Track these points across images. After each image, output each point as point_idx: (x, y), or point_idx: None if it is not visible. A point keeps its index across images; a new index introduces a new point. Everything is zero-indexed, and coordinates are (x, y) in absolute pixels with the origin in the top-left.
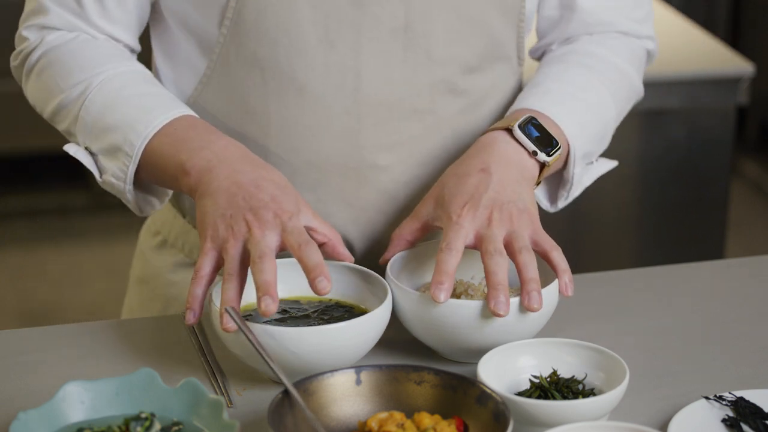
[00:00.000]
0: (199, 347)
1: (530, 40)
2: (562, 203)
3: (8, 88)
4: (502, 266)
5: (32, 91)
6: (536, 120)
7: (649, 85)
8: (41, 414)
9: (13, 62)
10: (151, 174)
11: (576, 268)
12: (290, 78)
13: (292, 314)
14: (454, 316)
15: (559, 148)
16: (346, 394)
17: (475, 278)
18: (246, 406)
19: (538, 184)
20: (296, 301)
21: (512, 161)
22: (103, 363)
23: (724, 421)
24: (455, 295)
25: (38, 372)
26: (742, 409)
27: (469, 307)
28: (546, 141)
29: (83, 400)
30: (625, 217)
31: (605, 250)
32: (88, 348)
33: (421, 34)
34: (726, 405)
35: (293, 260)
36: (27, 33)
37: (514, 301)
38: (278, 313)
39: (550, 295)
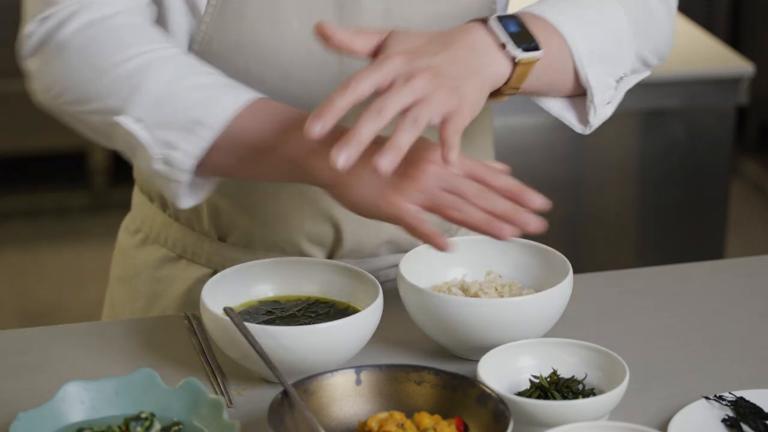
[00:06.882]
0: (199, 347)
1: None
2: (592, 118)
3: (9, 88)
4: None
5: (60, 69)
6: (520, 19)
7: (649, 85)
8: (41, 414)
9: (30, 39)
10: (228, 153)
11: (576, 268)
12: (273, 65)
13: (278, 314)
14: (468, 314)
15: (537, 49)
16: (346, 394)
17: (468, 276)
18: (246, 406)
19: (514, 91)
20: (275, 302)
21: (477, 48)
22: (103, 363)
23: (724, 421)
24: (471, 294)
25: (38, 372)
26: (742, 409)
27: (483, 305)
28: (524, 38)
29: (83, 400)
30: (625, 217)
31: (605, 250)
32: (88, 348)
33: (401, 19)
34: (726, 405)
35: (270, 261)
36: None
37: (529, 298)
38: (264, 314)
39: (559, 294)
